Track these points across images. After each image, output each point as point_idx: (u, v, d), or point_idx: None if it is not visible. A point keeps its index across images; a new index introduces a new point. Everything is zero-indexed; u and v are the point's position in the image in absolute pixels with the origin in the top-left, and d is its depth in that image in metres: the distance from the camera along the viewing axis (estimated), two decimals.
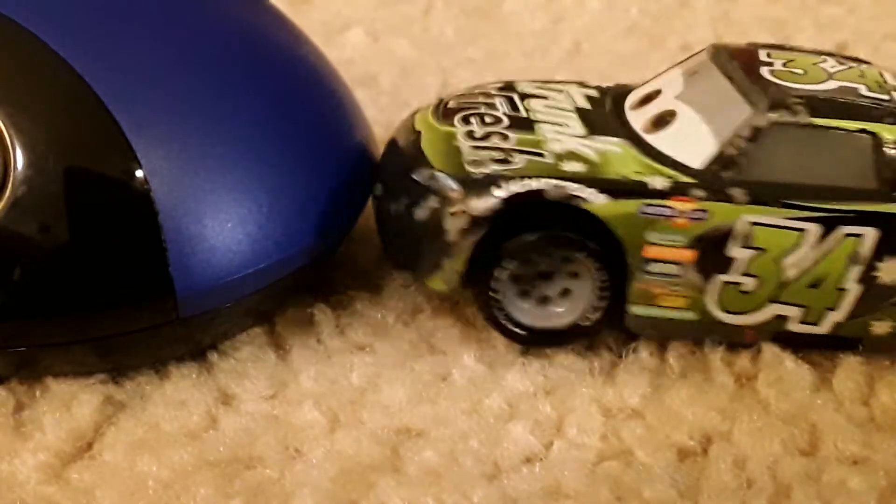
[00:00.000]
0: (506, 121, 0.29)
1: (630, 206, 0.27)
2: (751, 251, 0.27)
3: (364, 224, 0.31)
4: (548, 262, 0.28)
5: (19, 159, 0.25)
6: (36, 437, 0.26)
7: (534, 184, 0.27)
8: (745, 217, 0.27)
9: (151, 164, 0.26)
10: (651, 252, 0.27)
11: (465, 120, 0.29)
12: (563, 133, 0.29)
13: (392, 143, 0.30)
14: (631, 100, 0.31)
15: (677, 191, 0.27)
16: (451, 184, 0.27)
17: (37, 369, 0.28)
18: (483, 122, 0.29)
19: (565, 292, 0.29)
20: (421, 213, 0.28)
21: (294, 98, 0.29)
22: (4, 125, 0.25)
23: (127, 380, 0.28)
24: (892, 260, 0.27)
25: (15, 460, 0.26)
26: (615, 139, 0.29)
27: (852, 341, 0.29)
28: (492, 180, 0.27)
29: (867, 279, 0.28)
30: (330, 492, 0.25)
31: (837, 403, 0.28)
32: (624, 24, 0.48)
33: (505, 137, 0.29)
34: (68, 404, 0.27)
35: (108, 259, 0.26)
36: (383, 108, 0.40)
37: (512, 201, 0.27)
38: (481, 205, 0.27)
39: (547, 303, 0.29)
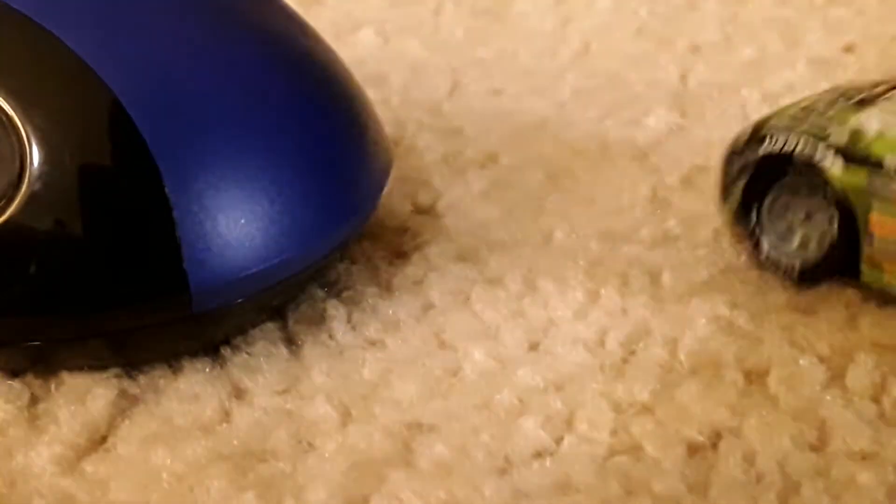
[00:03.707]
0: (858, 98, 0.31)
1: (861, 176, 0.28)
2: None
3: (376, 221, 0.31)
4: (807, 203, 0.30)
5: (35, 155, 0.26)
6: (51, 430, 0.27)
7: (792, 143, 0.30)
8: None
9: (166, 160, 0.26)
10: (874, 223, 0.28)
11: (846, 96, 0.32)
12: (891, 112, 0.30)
13: None
14: None
15: None
16: (743, 133, 0.32)
17: (52, 363, 0.28)
18: (847, 98, 0.31)
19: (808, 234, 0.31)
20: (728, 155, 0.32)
21: (308, 95, 0.29)
22: (20, 121, 0.26)
23: (141, 374, 0.28)
24: None
25: (30, 453, 0.26)
26: None
27: None
28: (768, 134, 0.31)
29: None
30: (342, 485, 0.25)
31: (847, 400, 0.28)
32: (633, 25, 0.48)
33: (832, 105, 0.31)
34: (83, 398, 0.28)
35: (123, 254, 0.26)
36: (394, 108, 0.41)
37: (772, 155, 0.30)
38: (752, 154, 0.31)
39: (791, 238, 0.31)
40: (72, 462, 0.26)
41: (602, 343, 0.30)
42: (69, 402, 0.27)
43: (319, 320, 0.30)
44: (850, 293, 0.31)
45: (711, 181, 0.33)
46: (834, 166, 0.29)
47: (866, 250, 0.29)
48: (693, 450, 0.27)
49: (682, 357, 0.29)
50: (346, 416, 0.27)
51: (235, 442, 0.27)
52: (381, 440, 0.27)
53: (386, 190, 0.32)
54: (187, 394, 0.28)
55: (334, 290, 0.31)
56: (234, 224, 0.27)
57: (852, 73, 0.43)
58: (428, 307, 0.31)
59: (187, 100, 0.27)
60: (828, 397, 0.28)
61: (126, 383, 0.28)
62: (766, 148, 0.30)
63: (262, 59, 0.29)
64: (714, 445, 0.27)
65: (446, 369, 0.29)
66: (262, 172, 0.27)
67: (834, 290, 0.31)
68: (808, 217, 0.31)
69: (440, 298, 0.31)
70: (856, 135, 0.29)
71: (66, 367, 0.28)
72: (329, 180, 0.29)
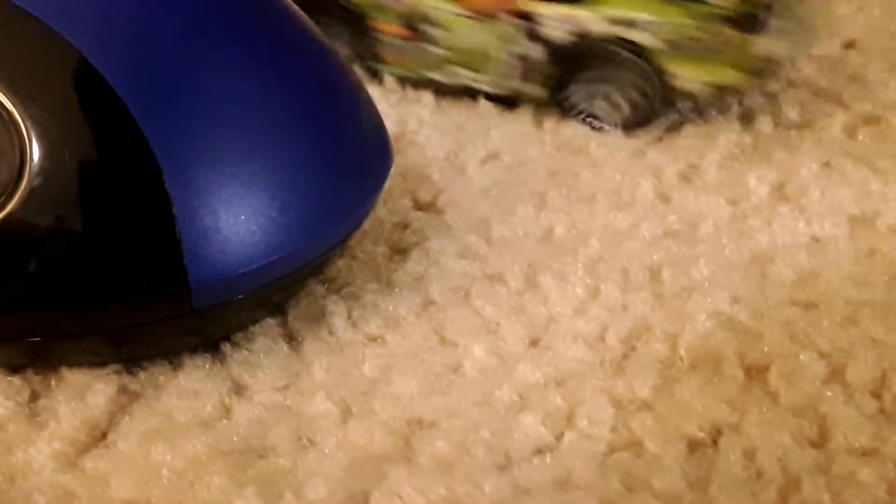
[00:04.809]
0: None
1: None
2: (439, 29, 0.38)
3: (376, 217, 0.31)
4: None
5: (35, 151, 0.26)
6: (51, 427, 0.27)
7: None
8: (428, 2, 0.38)
9: (166, 156, 0.26)
10: (378, 26, 0.39)
11: None
12: None
13: None
14: None
15: None
16: None
17: (52, 359, 0.28)
18: None
19: None
20: None
21: (308, 91, 0.29)
22: (21, 117, 0.26)
23: (141, 370, 0.28)
24: None
25: (30, 449, 0.26)
26: None
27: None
28: None
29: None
30: (342, 481, 0.25)
31: (847, 395, 0.28)
32: None
33: None
34: (83, 394, 0.28)
35: (123, 250, 0.26)
36: (393, 104, 0.41)
37: None
38: None
39: None
40: (72, 458, 0.26)
41: (602, 339, 0.30)
42: (69, 398, 0.27)
43: (319, 316, 0.30)
44: (850, 289, 0.31)
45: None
46: None
47: (379, 49, 0.40)
48: (693, 446, 0.27)
49: (682, 353, 0.29)
50: (346, 413, 0.27)
51: (235, 438, 0.27)
52: (382, 436, 0.27)
53: (386, 186, 0.32)
54: (187, 390, 0.28)
55: (334, 286, 0.31)
56: (235, 220, 0.27)
57: (853, 68, 0.43)
58: (428, 303, 0.31)
59: (187, 96, 0.27)
60: (828, 393, 0.28)
61: (126, 379, 0.28)
62: None
63: (262, 56, 0.29)
64: (714, 442, 0.27)
65: (446, 365, 0.29)
66: (263, 168, 0.27)
67: (834, 286, 0.31)
68: None
69: (440, 294, 0.31)
70: None
71: (65, 363, 0.28)
72: (329, 176, 0.29)
